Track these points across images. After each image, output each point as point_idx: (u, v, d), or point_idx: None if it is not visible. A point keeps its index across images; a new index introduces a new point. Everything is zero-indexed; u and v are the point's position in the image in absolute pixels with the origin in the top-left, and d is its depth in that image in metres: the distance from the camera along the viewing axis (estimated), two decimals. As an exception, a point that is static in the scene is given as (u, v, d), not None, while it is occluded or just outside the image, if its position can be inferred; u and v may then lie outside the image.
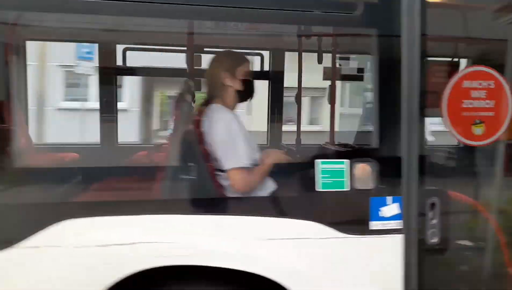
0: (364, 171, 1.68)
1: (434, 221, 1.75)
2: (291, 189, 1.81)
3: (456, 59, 1.80)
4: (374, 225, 1.70)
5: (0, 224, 1.50)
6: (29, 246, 1.47)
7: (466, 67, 1.75)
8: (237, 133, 1.78)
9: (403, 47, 1.61)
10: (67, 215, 1.49)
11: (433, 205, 1.75)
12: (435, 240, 1.75)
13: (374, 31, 1.65)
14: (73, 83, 9.07)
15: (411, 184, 1.68)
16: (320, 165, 1.66)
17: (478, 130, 1.79)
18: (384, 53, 1.66)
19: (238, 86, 1.89)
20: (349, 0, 1.61)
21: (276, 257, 1.63)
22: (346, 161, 1.68)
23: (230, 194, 1.78)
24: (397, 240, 1.69)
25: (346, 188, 1.67)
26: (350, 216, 1.71)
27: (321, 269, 1.67)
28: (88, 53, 6.79)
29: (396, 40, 1.62)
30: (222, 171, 1.77)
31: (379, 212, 1.70)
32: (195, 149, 1.76)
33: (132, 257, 1.53)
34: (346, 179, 1.67)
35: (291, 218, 1.65)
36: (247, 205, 1.74)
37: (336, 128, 2.98)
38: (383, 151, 1.71)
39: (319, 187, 1.65)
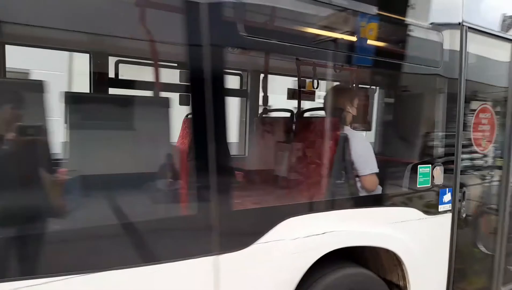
0: (439, 172, 2.51)
1: (464, 203, 2.70)
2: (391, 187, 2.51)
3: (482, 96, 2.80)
4: (441, 208, 2.55)
5: (244, 226, 1.81)
6: (263, 242, 1.83)
7: (482, 104, 2.76)
8: (369, 147, 2.39)
9: (460, 88, 2.52)
10: (287, 215, 1.90)
11: (464, 193, 2.70)
12: (464, 215, 2.71)
13: (447, 80, 2.49)
14: None
15: (457, 179, 2.60)
16: (420, 169, 2.42)
17: (483, 144, 2.82)
18: (450, 92, 2.51)
19: (355, 112, 2.50)
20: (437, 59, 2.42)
21: (396, 235, 2.33)
22: (430, 165, 2.48)
23: (361, 193, 2.38)
24: (449, 217, 2.59)
25: (429, 184, 2.48)
26: (430, 203, 2.51)
27: (415, 240, 2.43)
28: None
29: (456, 84, 2.51)
30: (356, 176, 2.36)
31: (443, 199, 2.56)
32: (342, 159, 2.31)
33: (323, 243, 2.02)
34: (429, 178, 2.48)
35: (405, 207, 2.37)
36: (383, 199, 2.38)
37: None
38: (446, 158, 2.57)
39: (418, 185, 2.42)
